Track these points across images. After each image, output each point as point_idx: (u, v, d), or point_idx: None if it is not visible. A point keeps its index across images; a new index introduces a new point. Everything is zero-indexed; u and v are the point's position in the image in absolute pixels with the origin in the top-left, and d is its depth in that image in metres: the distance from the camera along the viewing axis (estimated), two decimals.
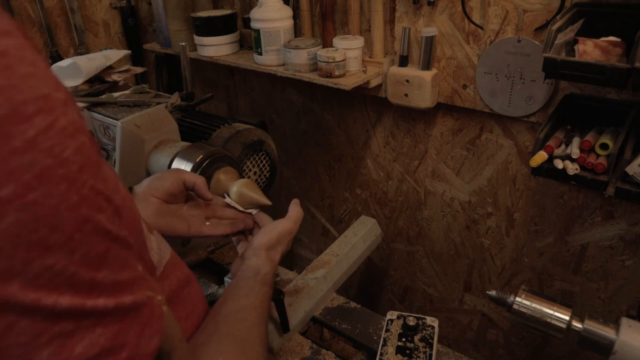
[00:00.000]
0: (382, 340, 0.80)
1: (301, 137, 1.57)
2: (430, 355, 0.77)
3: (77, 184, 0.30)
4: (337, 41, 1.11)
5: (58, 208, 0.29)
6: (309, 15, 1.23)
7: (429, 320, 0.83)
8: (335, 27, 1.22)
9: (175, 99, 1.06)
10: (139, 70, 1.21)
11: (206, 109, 1.58)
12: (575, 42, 0.81)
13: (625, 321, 0.61)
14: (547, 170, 0.86)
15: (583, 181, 0.82)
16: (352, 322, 0.91)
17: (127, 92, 1.05)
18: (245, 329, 0.58)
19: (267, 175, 1.04)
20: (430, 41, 1.05)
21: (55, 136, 0.29)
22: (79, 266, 0.30)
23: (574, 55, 0.81)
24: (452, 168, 1.24)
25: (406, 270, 1.50)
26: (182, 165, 0.83)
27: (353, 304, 0.95)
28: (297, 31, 1.25)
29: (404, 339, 0.80)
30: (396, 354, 0.78)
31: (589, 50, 0.79)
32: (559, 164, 0.85)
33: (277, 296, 0.77)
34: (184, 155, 0.84)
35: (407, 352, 0.78)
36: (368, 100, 1.32)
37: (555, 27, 0.77)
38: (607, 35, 0.81)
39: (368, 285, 1.65)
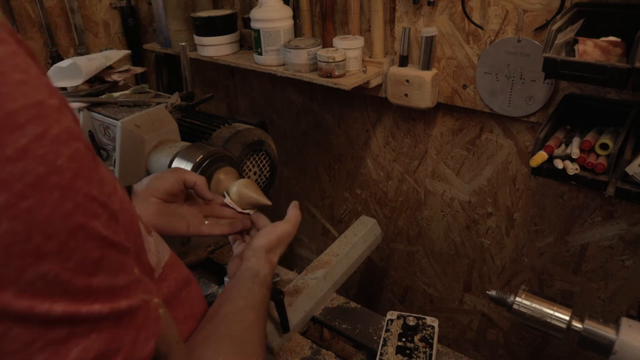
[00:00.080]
0: (382, 340, 0.80)
1: (301, 137, 1.57)
2: (430, 355, 0.77)
3: (70, 191, 0.30)
4: (337, 41, 1.11)
5: (51, 216, 0.29)
6: (309, 15, 1.23)
7: (429, 320, 0.83)
8: (335, 27, 1.22)
9: (175, 99, 1.06)
10: (139, 70, 1.21)
11: (206, 109, 1.58)
12: (575, 42, 0.81)
13: (625, 321, 0.61)
14: (547, 170, 0.86)
15: (583, 181, 0.82)
16: (352, 322, 0.91)
17: (127, 92, 1.05)
18: (244, 330, 0.58)
19: (267, 175, 1.04)
20: (430, 41, 1.05)
21: (49, 144, 0.29)
22: (74, 273, 0.30)
23: (574, 55, 0.81)
24: (452, 168, 1.24)
25: (406, 270, 1.50)
26: (182, 165, 0.82)
27: (353, 304, 0.95)
28: (297, 31, 1.25)
29: (404, 339, 0.80)
30: (396, 354, 0.78)
31: (589, 50, 0.79)
32: (559, 164, 0.85)
33: (277, 296, 0.77)
34: (184, 155, 0.84)
35: (407, 352, 0.78)
36: (368, 100, 1.32)
37: (555, 27, 0.77)
38: (607, 35, 0.81)
39: (368, 285, 1.65)
